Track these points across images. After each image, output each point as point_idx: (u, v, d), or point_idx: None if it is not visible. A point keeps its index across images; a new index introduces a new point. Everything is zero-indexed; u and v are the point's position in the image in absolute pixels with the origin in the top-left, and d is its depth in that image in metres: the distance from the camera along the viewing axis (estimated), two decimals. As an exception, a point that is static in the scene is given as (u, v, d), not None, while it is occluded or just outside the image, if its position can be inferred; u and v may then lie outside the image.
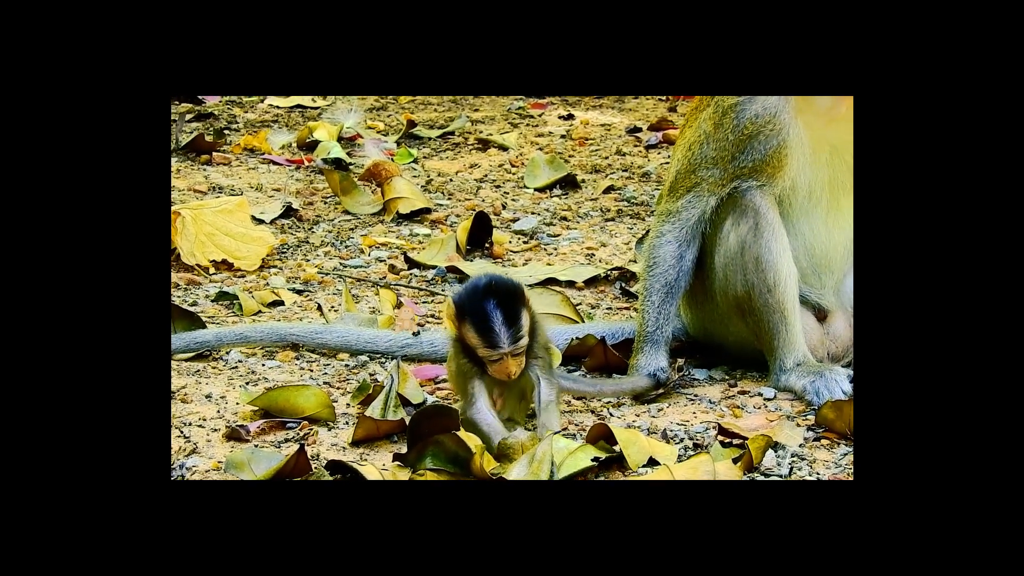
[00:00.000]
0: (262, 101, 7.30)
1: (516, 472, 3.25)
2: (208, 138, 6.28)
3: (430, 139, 6.59)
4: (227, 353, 4.10)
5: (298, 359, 4.09)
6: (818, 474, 3.39)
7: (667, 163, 6.10)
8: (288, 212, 5.43)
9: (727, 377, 4.00)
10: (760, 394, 3.87)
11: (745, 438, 3.47)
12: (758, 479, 3.33)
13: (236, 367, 4.02)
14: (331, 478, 3.20)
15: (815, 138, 3.84)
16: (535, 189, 5.86)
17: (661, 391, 3.85)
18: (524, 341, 3.49)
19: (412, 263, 4.95)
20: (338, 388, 3.88)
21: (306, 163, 6.14)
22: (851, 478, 3.35)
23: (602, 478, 3.38)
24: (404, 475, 3.27)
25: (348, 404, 3.76)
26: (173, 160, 6.04)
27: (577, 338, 4.07)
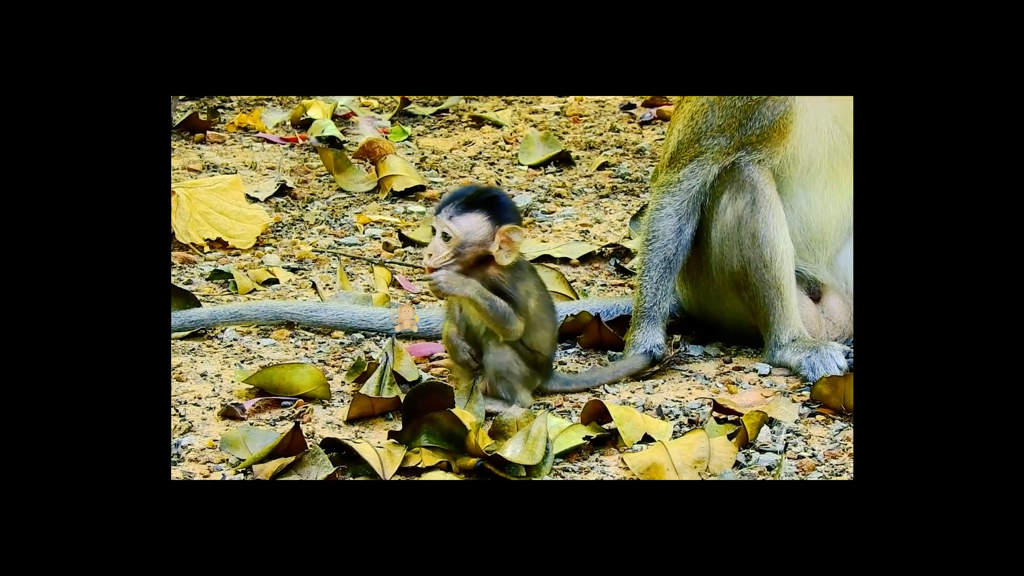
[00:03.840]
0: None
1: (511, 450, 3.26)
2: (202, 117, 6.26)
3: (424, 117, 6.58)
4: (222, 331, 4.10)
5: (293, 337, 4.09)
6: (813, 450, 3.39)
7: (662, 139, 6.10)
8: (282, 190, 5.42)
9: (722, 353, 4.00)
10: (755, 370, 3.87)
11: (740, 414, 3.47)
12: (758, 479, 3.33)
13: (231, 345, 4.01)
14: (327, 457, 3.20)
15: (817, 106, 3.84)
16: (529, 166, 5.85)
17: (657, 368, 3.85)
18: (457, 234, 3.52)
19: (406, 241, 4.94)
20: (333, 366, 3.88)
21: (300, 141, 6.12)
22: (846, 454, 3.36)
23: (597, 456, 3.38)
24: (399, 452, 3.27)
25: (343, 382, 3.76)
26: (167, 139, 6.03)
27: (572, 315, 4.06)
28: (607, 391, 3.73)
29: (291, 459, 3.20)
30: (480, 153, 6.04)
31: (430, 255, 3.54)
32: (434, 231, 3.55)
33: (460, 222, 3.53)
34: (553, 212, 5.29)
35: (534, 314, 3.58)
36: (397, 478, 3.23)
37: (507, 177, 5.71)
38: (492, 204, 3.55)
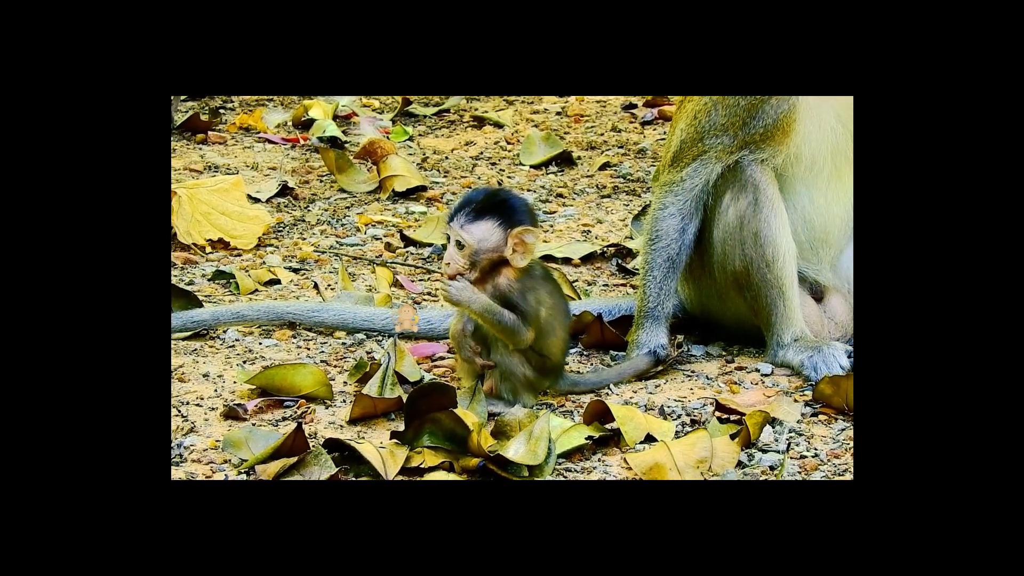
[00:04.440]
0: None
1: (513, 449, 3.25)
2: (203, 117, 6.26)
3: (425, 117, 6.58)
4: (224, 332, 4.10)
5: (295, 337, 4.08)
6: (816, 449, 3.39)
7: (663, 139, 6.10)
8: (284, 191, 5.42)
9: (724, 353, 4.00)
10: (757, 370, 3.87)
11: (742, 414, 3.47)
12: (760, 479, 3.33)
13: (233, 346, 4.01)
14: (329, 457, 3.20)
15: (820, 105, 3.83)
16: (531, 166, 5.85)
17: (660, 368, 3.85)
18: (470, 242, 3.51)
19: (408, 241, 4.94)
20: (335, 366, 3.88)
21: (302, 142, 6.12)
22: (848, 453, 3.36)
23: (600, 456, 3.38)
24: (401, 453, 3.27)
25: (345, 382, 3.76)
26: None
27: (574, 315, 4.06)
28: (610, 391, 3.73)
29: (293, 460, 3.19)
30: (481, 153, 6.04)
31: (447, 264, 3.54)
32: (448, 239, 3.54)
33: (472, 230, 3.52)
34: (555, 212, 5.28)
35: (546, 321, 3.58)
36: (399, 478, 3.23)
37: (508, 177, 5.71)
38: (503, 208, 3.54)
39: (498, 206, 3.54)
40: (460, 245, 3.53)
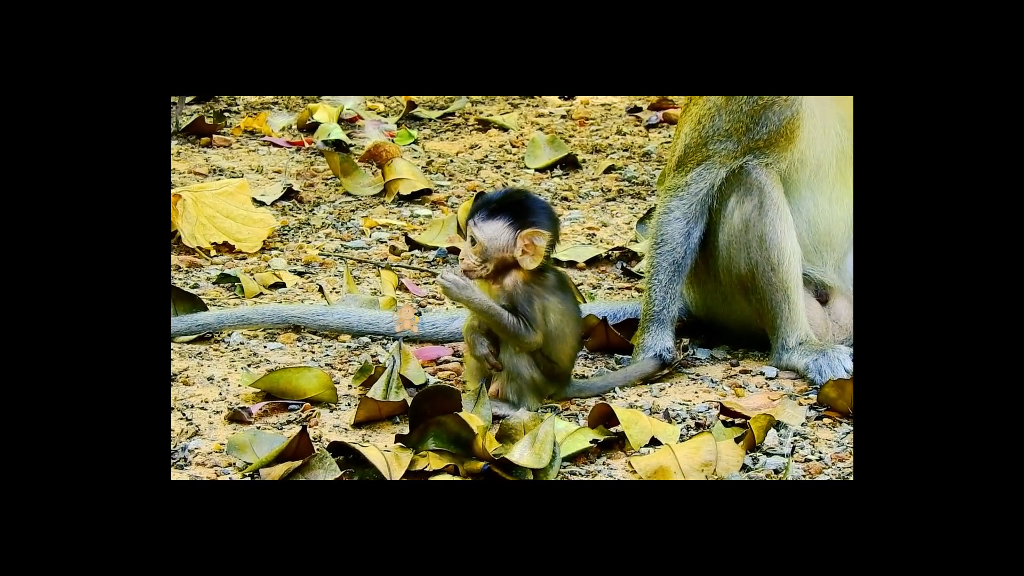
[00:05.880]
0: (262, 83, 7.28)
1: (518, 453, 3.25)
2: (208, 120, 6.27)
3: (430, 120, 6.58)
4: (229, 335, 4.10)
5: (300, 341, 4.08)
6: (820, 453, 3.38)
7: (668, 142, 6.10)
8: (289, 194, 5.43)
9: (729, 356, 4.00)
10: (762, 373, 3.86)
11: (747, 417, 3.47)
12: (762, 479, 3.33)
13: (238, 349, 4.01)
14: (334, 460, 3.20)
15: (824, 109, 3.83)
16: (536, 169, 5.85)
17: (666, 371, 3.85)
18: (481, 240, 3.53)
19: (413, 244, 4.95)
20: (340, 370, 3.88)
21: (306, 145, 6.13)
22: (852, 456, 3.35)
23: (604, 459, 3.38)
24: (406, 456, 3.27)
25: (350, 386, 3.76)
26: (173, 143, 6.03)
27: (579, 318, 4.06)
28: (616, 394, 3.73)
29: (298, 463, 3.19)
30: (486, 156, 6.05)
31: (462, 259, 3.56)
32: (468, 229, 3.58)
33: (484, 228, 3.53)
34: (560, 215, 5.29)
35: (556, 327, 3.57)
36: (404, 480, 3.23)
37: (513, 180, 5.71)
38: (516, 208, 3.54)
39: (513, 206, 3.54)
40: (474, 242, 3.54)
